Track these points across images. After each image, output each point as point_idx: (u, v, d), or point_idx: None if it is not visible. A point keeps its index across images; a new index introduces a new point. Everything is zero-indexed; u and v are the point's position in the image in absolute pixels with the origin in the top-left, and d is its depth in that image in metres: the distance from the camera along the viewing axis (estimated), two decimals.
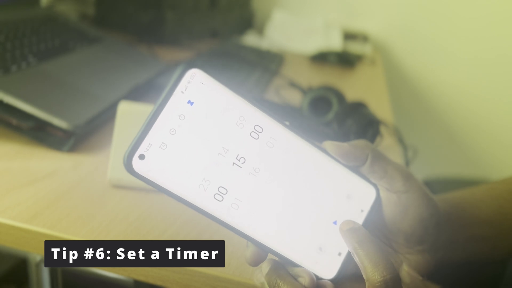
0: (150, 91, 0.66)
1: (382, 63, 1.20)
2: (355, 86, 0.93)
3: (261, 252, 0.29)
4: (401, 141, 0.65)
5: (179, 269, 0.35)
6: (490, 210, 0.37)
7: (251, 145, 0.28)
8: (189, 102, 0.27)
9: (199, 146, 0.27)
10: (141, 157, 0.26)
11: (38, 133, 0.48)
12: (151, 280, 0.36)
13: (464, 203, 0.36)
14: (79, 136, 0.49)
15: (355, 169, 0.31)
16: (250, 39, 1.17)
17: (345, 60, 1.06)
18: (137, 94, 0.62)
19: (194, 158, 0.27)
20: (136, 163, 0.26)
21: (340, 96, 0.62)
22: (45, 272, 0.48)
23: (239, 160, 0.28)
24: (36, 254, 0.46)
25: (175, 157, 0.27)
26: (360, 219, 0.31)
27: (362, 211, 0.31)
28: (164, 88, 0.27)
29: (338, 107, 0.60)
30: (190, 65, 0.27)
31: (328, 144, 0.30)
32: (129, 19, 1.01)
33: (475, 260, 0.37)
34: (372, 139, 0.56)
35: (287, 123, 0.29)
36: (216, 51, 0.92)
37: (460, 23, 1.30)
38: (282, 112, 0.64)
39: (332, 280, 0.30)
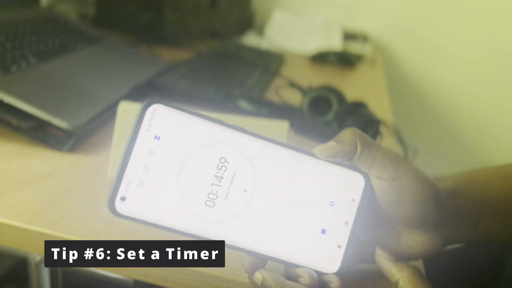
0: (150, 91, 0.66)
1: (382, 63, 1.19)
2: (355, 86, 0.93)
3: (258, 261, 0.29)
4: (401, 141, 0.65)
5: (179, 269, 0.35)
6: (498, 190, 0.36)
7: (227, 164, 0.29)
8: (155, 137, 0.27)
9: (176, 176, 0.28)
10: (123, 199, 0.27)
11: (38, 133, 0.48)
12: (151, 280, 0.36)
13: (472, 182, 0.36)
14: (79, 136, 0.49)
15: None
16: (250, 39, 1.17)
17: (345, 60, 1.06)
18: (137, 94, 0.62)
19: (173, 188, 0.28)
20: (119, 206, 0.27)
21: (340, 96, 0.62)
22: (45, 272, 0.48)
23: (219, 181, 0.28)
24: (36, 254, 0.46)
25: (155, 192, 0.27)
26: (352, 208, 0.31)
27: (353, 200, 0.31)
28: (134, 125, 0.27)
29: (338, 107, 0.60)
30: (150, 102, 0.27)
31: (317, 151, 0.30)
32: (129, 19, 1.01)
33: (484, 240, 0.37)
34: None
35: (255, 132, 0.29)
36: (216, 51, 0.92)
37: (460, 23, 1.30)
38: (282, 112, 0.64)
39: (337, 273, 0.30)
